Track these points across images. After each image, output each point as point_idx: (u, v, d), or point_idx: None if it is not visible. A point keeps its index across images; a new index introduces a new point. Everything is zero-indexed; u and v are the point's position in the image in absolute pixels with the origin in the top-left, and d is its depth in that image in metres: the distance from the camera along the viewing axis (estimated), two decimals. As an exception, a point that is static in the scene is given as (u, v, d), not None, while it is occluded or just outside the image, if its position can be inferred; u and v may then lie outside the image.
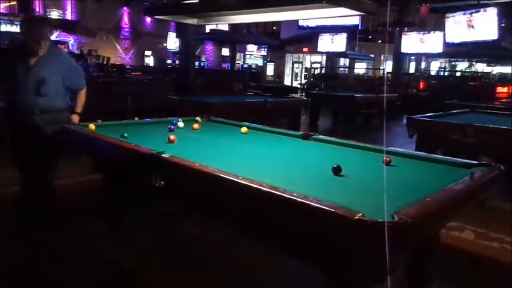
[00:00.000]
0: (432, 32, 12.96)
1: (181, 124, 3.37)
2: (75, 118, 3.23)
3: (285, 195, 1.61)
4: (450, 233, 3.26)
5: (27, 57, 2.97)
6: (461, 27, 9.83)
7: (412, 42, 13.29)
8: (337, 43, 15.03)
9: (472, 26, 9.55)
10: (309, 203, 1.53)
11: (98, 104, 4.09)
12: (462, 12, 9.97)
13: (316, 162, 2.54)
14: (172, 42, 20.55)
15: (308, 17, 6.76)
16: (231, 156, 2.55)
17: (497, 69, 19.78)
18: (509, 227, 3.39)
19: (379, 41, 21.04)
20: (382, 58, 21.24)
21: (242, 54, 25.35)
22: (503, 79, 16.65)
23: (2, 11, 15.96)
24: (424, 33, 13.06)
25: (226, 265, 2.62)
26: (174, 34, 19.94)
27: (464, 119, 5.07)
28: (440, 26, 11.51)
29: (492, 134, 4.30)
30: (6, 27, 15.04)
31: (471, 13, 9.65)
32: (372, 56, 19.03)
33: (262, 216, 1.72)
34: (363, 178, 2.18)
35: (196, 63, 17.13)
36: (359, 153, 2.76)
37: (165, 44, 21.69)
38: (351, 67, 20.02)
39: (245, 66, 23.53)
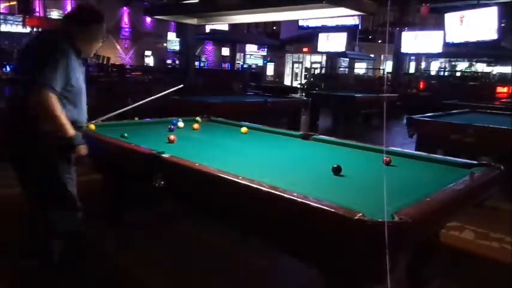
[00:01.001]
0: (432, 31, 12.94)
1: (181, 124, 3.37)
2: None
3: (285, 195, 1.61)
4: (450, 233, 3.26)
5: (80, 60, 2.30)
6: (457, 26, 9.83)
7: (412, 42, 13.28)
8: (337, 43, 15.01)
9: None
10: (309, 203, 1.53)
11: (98, 104, 4.08)
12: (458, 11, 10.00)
13: (316, 162, 2.54)
14: (172, 42, 20.55)
15: (308, 17, 6.77)
16: (231, 156, 2.55)
17: (497, 69, 19.79)
18: (509, 227, 3.39)
19: (379, 41, 21.04)
20: (382, 58, 21.24)
21: (242, 54, 25.34)
22: (503, 79, 16.66)
23: (2, 11, 15.96)
24: (424, 33, 13.04)
25: (226, 265, 2.62)
26: (174, 34, 19.94)
27: (464, 119, 5.07)
28: (440, 26, 11.49)
29: (492, 134, 4.30)
30: (6, 27, 15.06)
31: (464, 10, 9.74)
32: (372, 56, 19.02)
33: (262, 216, 1.72)
34: (363, 178, 2.19)
35: (196, 63, 17.12)
36: (359, 153, 2.76)
37: (165, 44, 21.70)
38: (351, 67, 20.02)
39: (245, 66, 23.52)
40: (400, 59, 14.75)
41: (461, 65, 22.17)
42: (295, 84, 22.06)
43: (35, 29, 16.33)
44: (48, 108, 2.03)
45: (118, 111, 3.25)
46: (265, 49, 25.08)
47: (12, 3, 16.69)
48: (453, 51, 15.24)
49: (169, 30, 21.11)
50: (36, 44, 2.30)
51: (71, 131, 2.13)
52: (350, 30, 14.98)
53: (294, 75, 24.88)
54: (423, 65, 21.20)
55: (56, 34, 2.29)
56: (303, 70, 24.24)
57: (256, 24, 22.04)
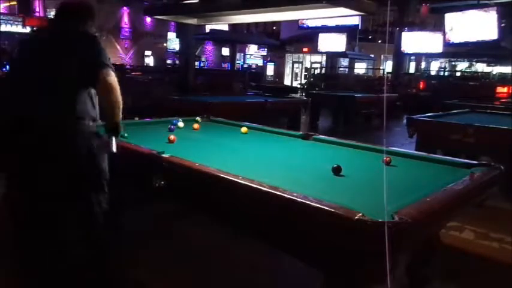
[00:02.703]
0: (432, 31, 12.94)
1: (181, 124, 3.37)
2: None
3: (285, 195, 1.61)
4: (450, 233, 3.26)
5: None
6: (457, 26, 9.86)
7: (412, 42, 13.27)
8: (337, 43, 15.01)
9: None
10: (309, 203, 1.53)
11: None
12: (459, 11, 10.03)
13: (316, 162, 2.54)
14: (172, 42, 20.54)
15: (308, 17, 6.77)
16: (231, 156, 2.55)
17: (497, 69, 19.77)
18: (509, 227, 3.39)
19: (379, 41, 21.02)
20: (382, 58, 21.21)
21: (242, 54, 25.33)
22: (503, 79, 16.64)
23: (2, 11, 15.95)
24: (424, 33, 13.05)
25: (226, 265, 2.62)
26: (174, 34, 19.92)
27: (464, 119, 5.07)
28: (440, 26, 11.49)
29: (492, 134, 4.30)
30: (6, 27, 15.05)
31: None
32: (372, 56, 19.02)
33: (262, 216, 1.72)
34: (363, 178, 2.18)
35: (196, 63, 17.11)
36: (359, 153, 2.76)
37: (165, 44, 21.68)
38: (351, 67, 20.01)
39: (245, 66, 23.52)
40: (400, 59, 14.72)
41: (461, 65, 22.15)
42: (295, 84, 22.05)
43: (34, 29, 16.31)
44: (116, 86, 1.95)
45: None
46: (265, 49, 25.05)
47: (12, 3, 16.68)
48: (453, 51, 15.23)
49: (169, 30, 21.09)
50: (64, 42, 2.07)
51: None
52: (350, 30, 14.98)
53: (294, 75, 24.86)
54: (423, 65, 21.16)
55: (82, 32, 2.14)
56: (303, 70, 24.22)
57: (256, 24, 22.02)
